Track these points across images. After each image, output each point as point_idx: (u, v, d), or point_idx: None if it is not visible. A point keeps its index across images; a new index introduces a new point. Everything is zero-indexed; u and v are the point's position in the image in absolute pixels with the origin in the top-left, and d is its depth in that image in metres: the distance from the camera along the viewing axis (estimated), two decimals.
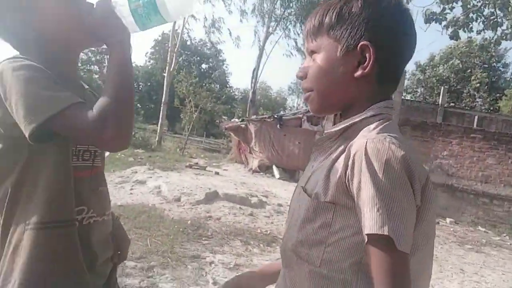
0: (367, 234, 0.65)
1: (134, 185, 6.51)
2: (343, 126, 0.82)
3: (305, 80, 0.87)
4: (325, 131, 0.89)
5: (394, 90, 0.89)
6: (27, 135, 0.74)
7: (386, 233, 0.62)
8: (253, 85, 17.78)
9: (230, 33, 31.95)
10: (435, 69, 28.50)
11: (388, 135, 0.72)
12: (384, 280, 0.64)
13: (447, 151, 10.51)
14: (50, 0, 0.86)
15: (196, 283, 3.28)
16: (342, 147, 0.79)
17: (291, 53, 26.46)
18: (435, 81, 27.70)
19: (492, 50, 24.88)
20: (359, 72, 0.79)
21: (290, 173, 12.21)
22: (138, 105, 23.21)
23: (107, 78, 0.85)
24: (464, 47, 26.01)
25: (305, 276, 0.79)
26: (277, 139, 12.31)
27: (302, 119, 12.26)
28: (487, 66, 27.64)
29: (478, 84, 26.20)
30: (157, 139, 18.20)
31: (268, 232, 5.29)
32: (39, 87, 0.76)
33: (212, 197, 6.09)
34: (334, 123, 0.93)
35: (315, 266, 0.77)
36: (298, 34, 23.40)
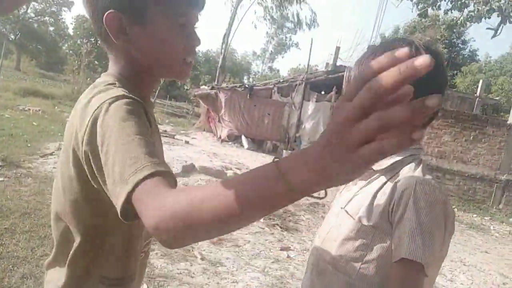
0: (403, 258, 0.82)
1: None
2: (389, 164, 0.97)
3: None
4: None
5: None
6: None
7: (420, 261, 0.81)
8: (223, 51, 17.45)
9: None
10: None
11: (432, 179, 0.91)
12: None
13: None
14: (164, 25, 0.81)
15: (185, 259, 3.46)
16: (385, 179, 0.96)
17: (264, 18, 26.06)
18: None
19: (457, 31, 25.73)
20: None
21: (258, 144, 12.44)
22: (96, 61, 22.16)
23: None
24: (428, 22, 26.72)
25: (339, 285, 0.96)
26: (247, 109, 12.40)
27: (273, 90, 12.37)
28: (447, 41, 28.64)
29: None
30: None
31: None
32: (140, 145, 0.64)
33: (189, 169, 6.21)
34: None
35: (350, 278, 0.94)
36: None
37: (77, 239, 0.82)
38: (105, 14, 0.75)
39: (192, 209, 0.52)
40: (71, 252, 0.83)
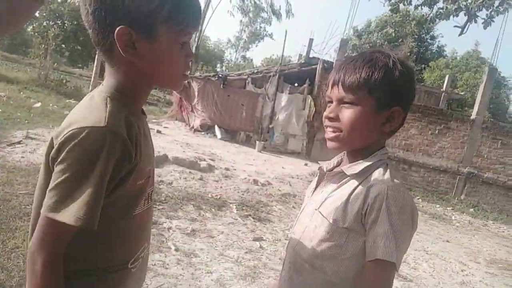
0: (378, 258, 0.91)
1: None
2: (360, 169, 1.04)
3: (337, 122, 1.05)
4: (341, 168, 1.09)
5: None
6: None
7: (393, 260, 0.90)
8: (197, 39, 17.23)
9: None
10: (370, 35, 29.72)
11: (401, 184, 0.99)
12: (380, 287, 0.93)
13: None
14: (167, 42, 0.88)
15: (160, 250, 3.49)
16: (356, 182, 1.03)
17: (238, 8, 25.86)
18: (369, 47, 28.99)
19: (426, 27, 26.42)
20: (387, 128, 1.04)
21: (232, 134, 12.45)
22: (63, 45, 21.34)
23: None
24: (399, 17, 27.31)
25: (317, 282, 1.05)
26: (220, 99, 12.36)
27: (247, 81, 12.36)
28: (417, 37, 29.37)
29: (408, 54, 27.90)
30: (90, 89, 17.24)
31: (218, 196, 5.59)
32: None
33: (162, 160, 6.18)
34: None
35: (326, 275, 1.02)
36: None
37: None
38: (117, 29, 0.82)
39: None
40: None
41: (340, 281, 1.00)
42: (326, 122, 1.09)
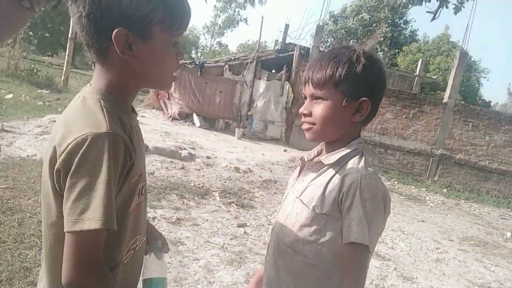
0: (352, 241, 0.99)
1: None
2: (336, 159, 1.12)
3: (310, 117, 1.14)
4: (320, 158, 1.16)
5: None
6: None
7: (366, 243, 0.99)
8: None
9: None
10: (345, 20, 29.90)
11: (374, 172, 1.07)
12: (357, 269, 1.02)
13: None
14: (161, 48, 0.92)
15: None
16: (333, 171, 1.11)
17: None
18: (344, 32, 29.20)
19: (400, 12, 26.74)
20: (357, 118, 1.11)
21: (210, 122, 12.43)
22: (30, 33, 20.59)
23: None
24: (373, 1, 27.57)
25: (298, 264, 1.13)
26: (198, 87, 12.27)
27: (224, 68, 12.30)
28: (390, 21, 29.76)
29: (382, 39, 28.26)
30: (63, 78, 16.76)
31: (201, 185, 5.63)
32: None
33: None
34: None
35: (307, 258, 1.10)
36: None
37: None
38: (115, 31, 0.84)
39: None
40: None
41: (320, 263, 1.09)
42: (302, 118, 1.18)
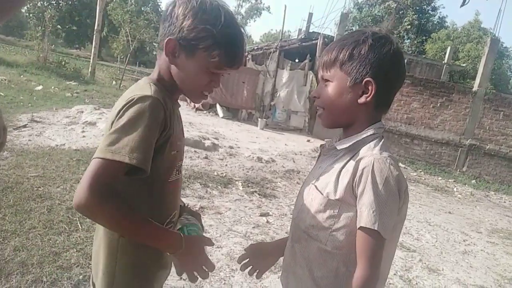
0: (361, 226, 0.98)
1: (84, 127, 6.39)
2: (350, 143, 1.11)
3: (319, 100, 1.15)
4: (334, 144, 1.16)
5: (385, 113, 1.20)
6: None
7: (376, 228, 0.97)
8: None
9: None
10: (371, 8, 29.24)
11: (389, 156, 1.04)
12: (368, 255, 0.99)
13: None
14: (195, 65, 1.07)
15: None
16: (348, 157, 1.09)
17: None
18: (370, 20, 28.56)
19: None
20: (362, 100, 1.08)
21: (233, 112, 12.46)
22: (59, 26, 21.10)
23: None
24: None
25: (314, 250, 1.13)
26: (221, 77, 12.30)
27: (247, 58, 12.27)
28: (418, 8, 28.89)
29: (409, 26, 27.52)
30: (90, 70, 17.16)
31: (224, 174, 5.67)
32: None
33: None
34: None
35: (322, 244, 1.10)
36: None
37: None
38: (167, 38, 1.04)
39: (119, 218, 0.93)
40: None
41: (337, 250, 1.08)
42: (314, 102, 1.18)
